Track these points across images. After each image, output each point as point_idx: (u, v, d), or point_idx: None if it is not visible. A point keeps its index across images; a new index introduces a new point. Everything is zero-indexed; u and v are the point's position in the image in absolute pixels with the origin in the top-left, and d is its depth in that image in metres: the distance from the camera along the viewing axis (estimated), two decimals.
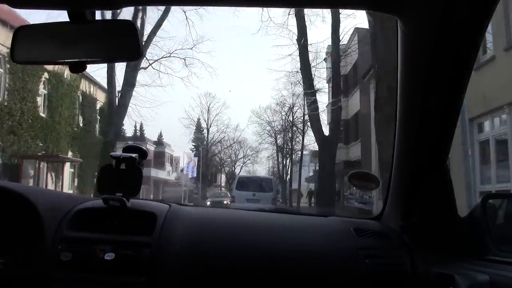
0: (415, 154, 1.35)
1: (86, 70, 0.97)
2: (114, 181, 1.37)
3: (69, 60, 0.96)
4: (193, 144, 47.29)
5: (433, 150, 1.32)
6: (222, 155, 48.90)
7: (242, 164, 50.44)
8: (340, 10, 17.93)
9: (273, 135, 39.39)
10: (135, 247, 1.33)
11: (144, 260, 1.31)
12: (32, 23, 0.98)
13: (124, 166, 1.38)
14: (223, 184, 54.18)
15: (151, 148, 38.84)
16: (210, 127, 45.93)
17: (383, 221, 1.56)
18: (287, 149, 37.94)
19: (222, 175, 53.28)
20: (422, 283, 1.29)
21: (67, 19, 0.92)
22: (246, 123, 53.67)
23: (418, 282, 1.30)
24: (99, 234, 1.36)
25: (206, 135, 45.75)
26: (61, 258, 1.30)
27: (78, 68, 0.96)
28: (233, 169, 50.96)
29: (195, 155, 37.08)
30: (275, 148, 39.96)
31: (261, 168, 51.10)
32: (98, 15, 0.95)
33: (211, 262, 1.35)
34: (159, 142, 44.61)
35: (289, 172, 37.28)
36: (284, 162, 40.71)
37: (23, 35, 0.96)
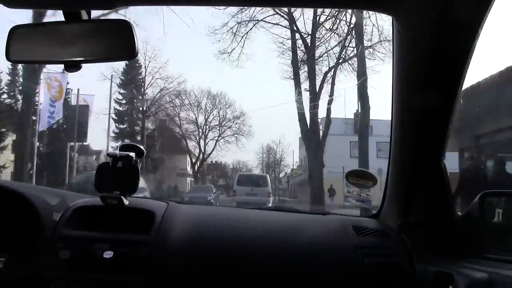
0: (412, 153, 1.35)
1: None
2: (111, 179, 1.37)
3: (65, 60, 0.95)
4: (121, 92, 27.04)
5: (429, 149, 1.32)
6: (177, 107, 26.61)
7: (218, 137, 29.34)
8: None
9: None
10: (133, 246, 1.33)
11: (142, 259, 1.31)
12: (28, 22, 0.97)
13: (121, 164, 1.38)
14: (188, 169, 32.06)
15: None
16: None
17: (381, 219, 1.56)
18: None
19: (186, 156, 31.17)
20: (420, 281, 1.29)
21: (63, 18, 0.91)
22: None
23: (417, 280, 1.30)
24: (97, 232, 1.36)
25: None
26: (60, 256, 1.30)
27: (73, 68, 0.95)
28: (204, 145, 29.61)
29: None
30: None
31: (251, 154, 33.85)
32: (94, 14, 0.94)
33: (209, 260, 1.34)
34: None
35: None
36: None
37: (18, 34, 0.95)
